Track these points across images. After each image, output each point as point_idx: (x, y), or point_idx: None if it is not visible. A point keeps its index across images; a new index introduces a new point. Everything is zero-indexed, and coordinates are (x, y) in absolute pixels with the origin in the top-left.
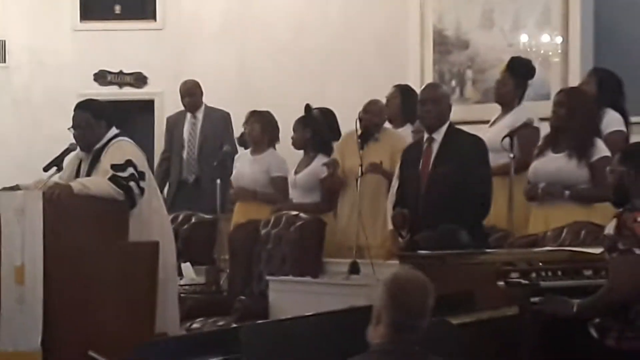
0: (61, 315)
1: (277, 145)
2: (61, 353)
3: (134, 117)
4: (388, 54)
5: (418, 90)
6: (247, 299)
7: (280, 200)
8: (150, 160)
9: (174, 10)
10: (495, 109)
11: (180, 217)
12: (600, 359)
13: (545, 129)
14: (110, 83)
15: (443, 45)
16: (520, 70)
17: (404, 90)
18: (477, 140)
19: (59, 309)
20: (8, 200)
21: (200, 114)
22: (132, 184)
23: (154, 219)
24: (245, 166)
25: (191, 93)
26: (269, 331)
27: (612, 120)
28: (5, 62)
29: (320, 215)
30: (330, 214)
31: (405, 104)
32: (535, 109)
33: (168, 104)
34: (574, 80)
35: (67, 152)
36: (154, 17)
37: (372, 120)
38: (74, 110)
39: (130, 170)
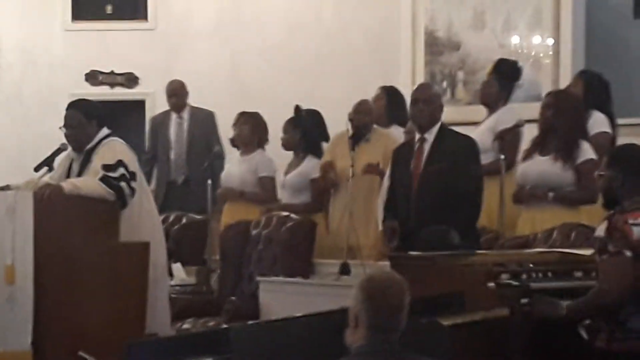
0: (51, 315)
1: (267, 146)
2: (51, 353)
3: (125, 117)
4: (380, 54)
5: (407, 92)
6: (237, 300)
7: (268, 200)
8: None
9: (165, 11)
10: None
11: (171, 218)
12: None
13: (535, 131)
14: (102, 83)
15: (434, 46)
16: (506, 72)
17: (389, 92)
18: (469, 141)
19: (50, 308)
20: None
21: (186, 114)
22: (123, 184)
23: (144, 220)
24: (234, 167)
25: (177, 93)
26: (260, 332)
27: (598, 122)
28: None
29: (310, 216)
30: (321, 214)
31: (391, 105)
32: (526, 111)
33: (159, 105)
34: (565, 82)
35: (58, 152)
36: (145, 17)
37: (362, 120)
38: (66, 109)
39: (122, 170)
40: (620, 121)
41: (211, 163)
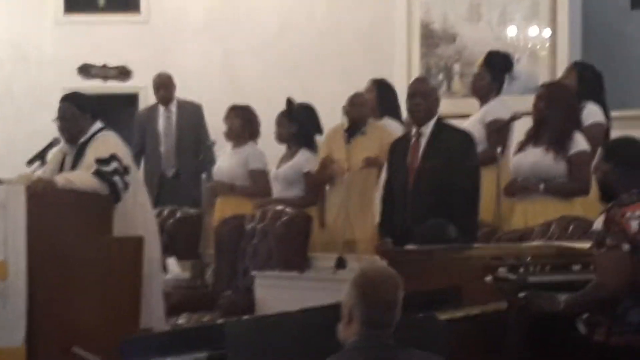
0: (45, 310)
1: (259, 142)
2: (45, 349)
3: (118, 111)
4: (374, 47)
5: (403, 85)
6: (232, 294)
7: (260, 193)
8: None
9: (158, 4)
10: None
11: (165, 212)
12: (589, 354)
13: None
14: (94, 76)
15: (430, 38)
16: (497, 64)
17: (380, 84)
18: (466, 136)
19: (43, 304)
20: None
21: (173, 107)
22: (116, 178)
23: (138, 214)
24: (225, 160)
25: (165, 86)
26: (254, 326)
27: (591, 113)
28: None
29: (303, 210)
30: (314, 208)
31: (381, 97)
32: (523, 103)
33: (152, 98)
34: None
35: (50, 145)
36: (138, 11)
37: (358, 113)
38: (60, 102)
39: (115, 164)
40: (617, 113)
41: (205, 156)
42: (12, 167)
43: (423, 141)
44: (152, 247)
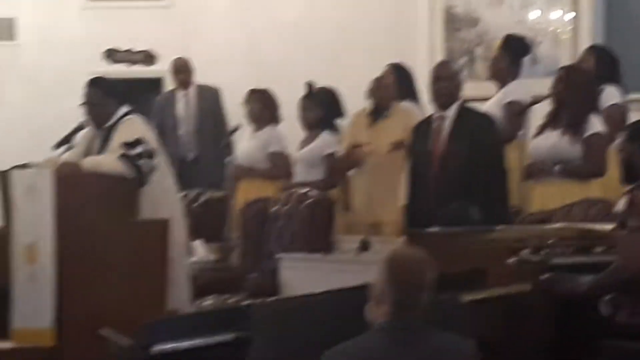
0: (73, 292)
1: (283, 123)
2: (73, 330)
3: (143, 95)
4: (397, 31)
5: (425, 69)
6: (258, 276)
7: (280, 176)
8: None
9: None
10: None
11: (191, 195)
12: (612, 335)
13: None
14: (120, 61)
15: (452, 22)
16: (515, 47)
17: (397, 68)
18: (488, 118)
19: (71, 286)
20: (19, 178)
21: (192, 91)
22: (142, 161)
23: (164, 197)
24: (245, 143)
25: (184, 70)
26: (280, 308)
27: (609, 95)
28: (15, 39)
29: (328, 192)
30: (335, 191)
31: (400, 81)
32: (545, 86)
33: None
34: None
35: (77, 129)
36: None
37: (381, 96)
38: (86, 87)
39: (141, 148)
40: (638, 96)
41: (226, 140)
42: (40, 151)
43: (446, 124)
44: (178, 229)
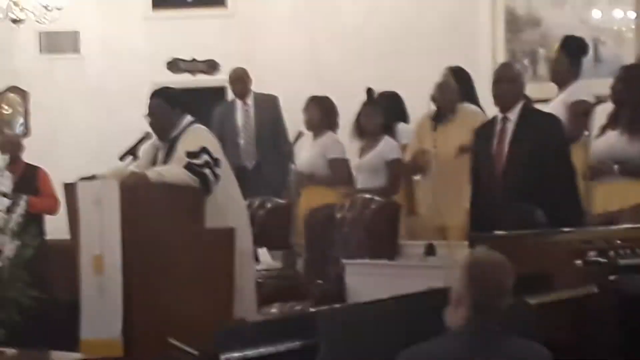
0: (140, 302)
1: (342, 130)
2: (141, 340)
3: (206, 104)
4: (459, 33)
5: (487, 71)
6: (323, 283)
7: (341, 182)
8: None
9: None
10: None
11: (256, 203)
12: None
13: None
14: (183, 71)
15: (514, 23)
16: (574, 48)
17: (456, 71)
18: (554, 118)
19: (138, 296)
20: (86, 190)
21: (250, 100)
22: (207, 171)
23: (229, 205)
24: (305, 151)
25: (243, 80)
26: (346, 315)
27: None
28: (79, 52)
29: (390, 198)
30: (397, 196)
31: (459, 84)
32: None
33: None
34: None
35: (142, 140)
36: (224, 4)
37: (445, 99)
38: (150, 98)
39: (205, 157)
40: None
41: (290, 147)
42: (105, 162)
43: (510, 126)
44: (244, 237)
